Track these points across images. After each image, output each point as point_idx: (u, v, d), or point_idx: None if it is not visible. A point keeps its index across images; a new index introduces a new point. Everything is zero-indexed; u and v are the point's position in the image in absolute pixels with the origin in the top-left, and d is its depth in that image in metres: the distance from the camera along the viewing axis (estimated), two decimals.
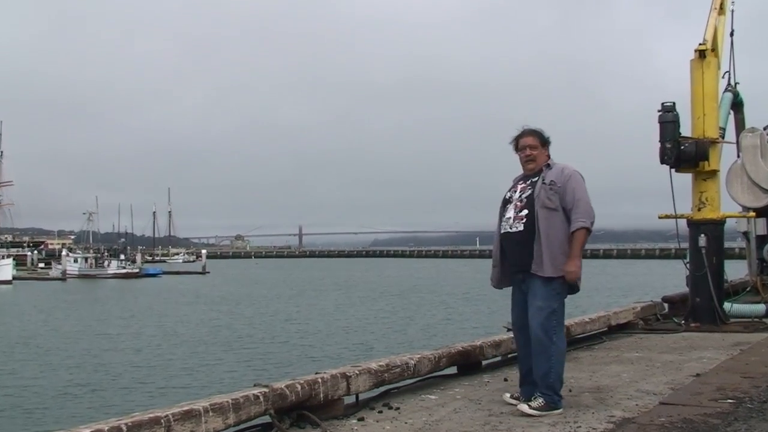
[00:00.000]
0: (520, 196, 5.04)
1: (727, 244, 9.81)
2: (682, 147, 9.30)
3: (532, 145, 5.07)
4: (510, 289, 5.23)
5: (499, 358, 6.75)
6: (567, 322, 6.39)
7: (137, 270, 76.23)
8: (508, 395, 5.10)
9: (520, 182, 5.13)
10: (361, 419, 4.60)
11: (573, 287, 4.92)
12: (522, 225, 4.95)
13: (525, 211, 4.95)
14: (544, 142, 5.12)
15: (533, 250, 4.86)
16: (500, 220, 5.12)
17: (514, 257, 5.03)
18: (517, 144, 5.16)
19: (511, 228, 5.02)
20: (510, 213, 5.06)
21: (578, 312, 11.66)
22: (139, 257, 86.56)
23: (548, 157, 5.11)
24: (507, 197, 5.14)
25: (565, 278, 4.80)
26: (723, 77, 10.19)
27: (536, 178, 5.00)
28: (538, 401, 4.70)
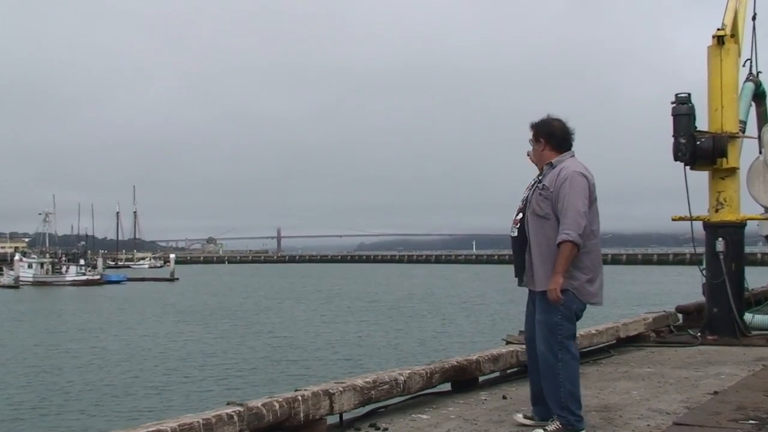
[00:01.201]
0: (523, 196, 5.05)
1: (747, 249, 9.87)
2: (698, 142, 9.33)
3: (529, 140, 5.06)
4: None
5: (497, 374, 6.75)
6: None
7: (98, 277, 75.85)
8: (520, 415, 5.07)
9: (532, 180, 5.11)
10: None
11: (578, 299, 4.87)
12: (516, 230, 4.99)
13: (520, 215, 4.97)
14: (539, 136, 5.00)
15: (526, 261, 4.89)
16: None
17: (515, 263, 5.05)
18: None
19: (511, 231, 5.04)
20: (513, 215, 5.08)
21: (584, 323, 11.72)
22: (100, 262, 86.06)
23: (554, 152, 5.00)
24: (523, 196, 5.14)
25: (570, 291, 4.77)
26: (744, 65, 10.23)
27: (538, 178, 5.00)
28: (555, 424, 4.69)
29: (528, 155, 5.09)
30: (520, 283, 5.07)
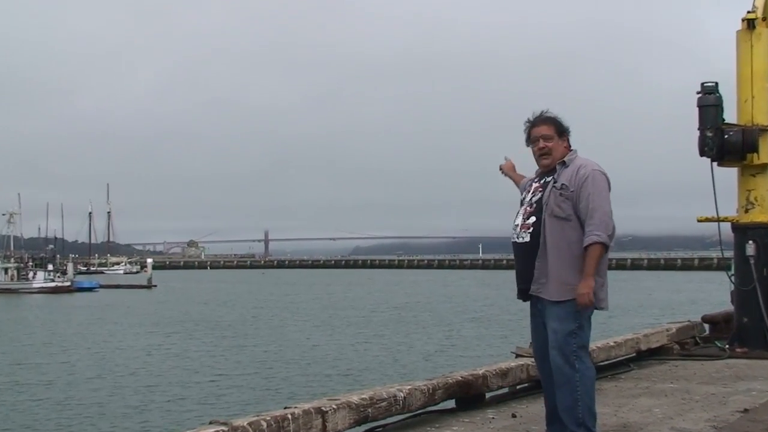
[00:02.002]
0: (530, 199, 5.05)
1: None
2: (726, 136, 9.33)
3: (546, 136, 5.05)
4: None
5: (506, 390, 6.75)
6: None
7: (69, 283, 75.80)
8: None
9: (535, 180, 5.13)
10: None
11: (596, 306, 4.91)
12: (528, 235, 4.97)
13: (533, 219, 4.97)
14: (562, 131, 5.08)
15: (537, 268, 4.89)
16: (512, 227, 5.14)
17: (522, 272, 5.04)
18: (530, 134, 5.16)
19: (518, 237, 5.03)
20: (519, 219, 5.07)
21: (601, 334, 11.71)
22: (71, 267, 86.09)
23: (568, 149, 5.08)
24: (522, 198, 5.15)
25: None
26: None
27: (550, 179, 5.00)
28: None
29: (542, 149, 5.07)
30: (524, 296, 5.08)
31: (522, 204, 5.13)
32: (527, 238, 4.96)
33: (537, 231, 4.91)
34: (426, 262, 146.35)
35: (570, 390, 4.74)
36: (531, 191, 5.09)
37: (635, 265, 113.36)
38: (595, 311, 4.95)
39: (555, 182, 4.93)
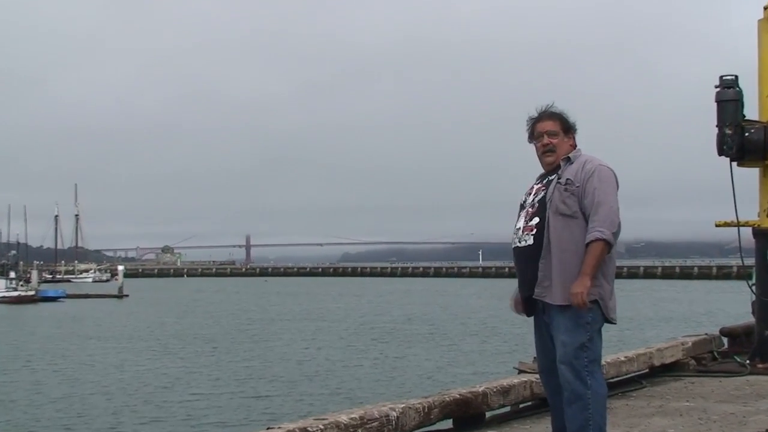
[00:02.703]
0: (533, 200, 5.07)
1: None
2: (747, 134, 9.35)
3: (551, 132, 5.09)
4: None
5: (508, 409, 6.76)
6: None
7: (33, 293, 75.51)
8: None
9: (538, 182, 5.15)
10: None
11: (604, 315, 4.91)
12: (532, 237, 4.99)
13: (536, 219, 4.99)
14: (568, 128, 5.12)
15: (540, 269, 4.89)
16: (513, 231, 5.15)
17: (525, 279, 5.05)
18: (533, 131, 5.18)
19: (519, 241, 5.05)
20: (520, 222, 5.09)
21: (612, 348, 11.73)
22: (35, 275, 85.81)
23: (573, 148, 5.11)
24: (522, 201, 5.17)
25: (597, 303, 4.80)
26: None
27: (553, 177, 5.03)
28: None
29: (546, 146, 5.09)
30: (528, 308, 5.07)
31: (523, 207, 5.14)
32: (530, 241, 4.97)
33: (541, 232, 4.93)
34: (421, 269, 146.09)
35: (581, 408, 4.75)
36: (533, 193, 5.12)
37: (648, 274, 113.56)
38: (605, 324, 4.96)
39: (559, 178, 4.96)
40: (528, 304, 5.10)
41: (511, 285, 5.39)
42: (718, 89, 9.41)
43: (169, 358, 31.43)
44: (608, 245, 4.78)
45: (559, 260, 4.83)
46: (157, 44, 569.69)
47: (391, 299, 71.83)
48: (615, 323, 4.99)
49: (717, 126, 9.39)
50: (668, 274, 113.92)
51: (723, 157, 9.41)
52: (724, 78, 9.43)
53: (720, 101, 9.38)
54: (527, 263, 4.99)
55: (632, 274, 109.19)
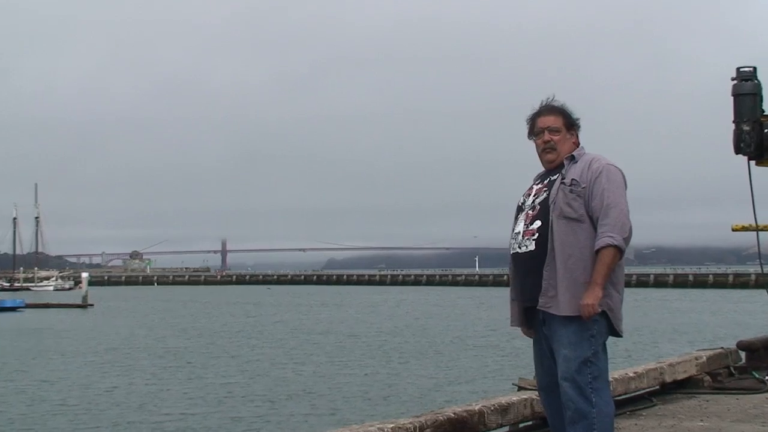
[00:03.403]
0: (533, 201, 5.06)
1: None
2: (766, 130, 9.39)
3: (552, 128, 5.09)
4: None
5: (506, 429, 6.76)
6: None
7: None
8: None
9: (538, 182, 5.14)
10: None
11: (613, 328, 4.91)
12: (533, 242, 4.98)
13: (538, 223, 4.99)
14: (571, 124, 5.12)
15: (545, 278, 4.88)
16: (510, 236, 5.13)
17: (525, 287, 5.04)
18: (533, 126, 5.17)
19: (519, 247, 5.04)
20: (520, 226, 5.07)
21: (619, 363, 11.75)
22: None
23: (576, 145, 5.11)
24: (520, 203, 5.15)
25: (604, 314, 4.80)
26: None
27: (556, 176, 5.01)
28: None
29: (546, 142, 5.08)
30: (527, 320, 5.07)
31: (522, 210, 5.12)
32: (532, 247, 4.96)
33: (544, 237, 4.92)
34: (413, 277, 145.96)
35: (585, 429, 4.77)
36: (533, 194, 5.11)
37: (659, 282, 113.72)
38: (611, 337, 4.95)
39: (563, 178, 4.95)
40: (525, 316, 5.10)
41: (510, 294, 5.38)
42: (734, 82, 9.43)
43: (139, 375, 31.33)
44: (620, 252, 4.79)
45: (565, 268, 4.82)
46: (127, 31, 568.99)
47: (381, 310, 71.84)
48: (622, 336, 4.98)
49: (733, 122, 9.40)
50: (681, 282, 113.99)
51: (740, 155, 9.42)
52: (741, 70, 9.44)
53: (737, 95, 9.39)
54: (528, 271, 4.98)
55: (642, 282, 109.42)
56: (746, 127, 9.34)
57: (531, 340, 5.19)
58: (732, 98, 9.49)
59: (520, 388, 7.28)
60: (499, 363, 31.76)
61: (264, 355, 37.20)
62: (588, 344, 4.80)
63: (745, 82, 9.42)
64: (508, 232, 5.18)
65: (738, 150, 9.47)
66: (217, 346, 41.26)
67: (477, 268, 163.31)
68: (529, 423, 6.89)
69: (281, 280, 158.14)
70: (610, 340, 5.00)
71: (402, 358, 35.08)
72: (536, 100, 5.25)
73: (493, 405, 6.56)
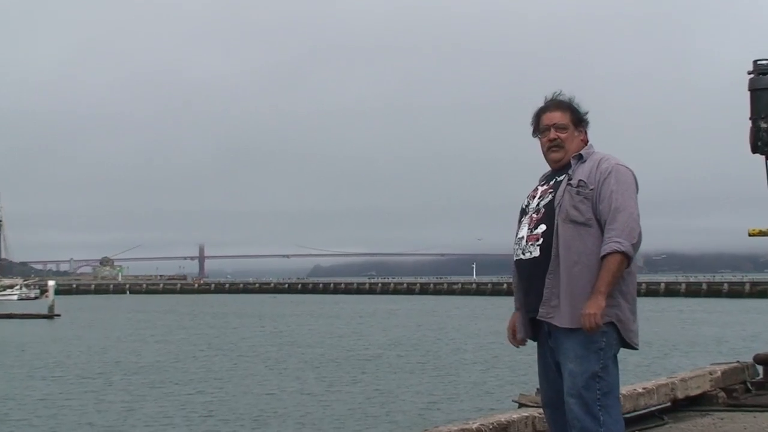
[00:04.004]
0: (537, 204, 5.05)
1: None
2: None
3: (559, 125, 5.08)
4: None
5: None
6: None
7: None
8: None
9: (543, 183, 5.13)
10: None
11: (624, 340, 4.90)
12: (537, 248, 4.99)
13: (542, 227, 4.99)
14: (579, 120, 5.11)
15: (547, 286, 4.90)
16: (514, 241, 5.12)
17: (529, 296, 5.03)
18: (538, 123, 5.16)
19: (523, 253, 5.04)
20: (523, 230, 5.07)
21: (628, 378, 11.77)
22: None
23: (584, 143, 5.10)
24: (524, 206, 5.15)
25: (613, 326, 4.80)
26: None
27: (563, 177, 5.02)
28: None
29: (552, 140, 5.08)
30: (531, 331, 5.07)
31: (525, 213, 5.12)
32: (536, 253, 4.96)
33: (549, 242, 4.92)
34: (406, 286, 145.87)
35: None
36: (538, 195, 5.10)
37: (670, 291, 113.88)
38: (623, 349, 4.94)
39: (570, 179, 4.95)
40: (531, 327, 5.09)
41: (510, 304, 5.39)
42: (751, 76, 9.44)
43: (110, 392, 31.25)
44: (627, 258, 4.76)
45: (569, 275, 4.82)
46: (97, 19, 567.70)
47: (372, 321, 71.77)
48: (637, 348, 4.98)
49: (750, 119, 9.43)
50: (694, 291, 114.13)
51: (757, 154, 9.44)
52: (758, 63, 9.45)
53: (754, 90, 9.40)
54: (533, 278, 4.98)
55: (652, 291, 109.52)
56: (764, 125, 9.35)
57: (534, 354, 5.18)
58: (749, 93, 9.51)
59: (521, 405, 7.29)
60: (499, 378, 31.77)
61: (247, 371, 37.13)
62: (596, 357, 4.79)
63: (763, 76, 9.44)
64: (509, 237, 5.18)
65: (755, 149, 9.49)
66: (196, 361, 41.17)
67: (474, 276, 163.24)
68: None
69: (263, 289, 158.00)
70: (622, 353, 5.00)
71: (395, 373, 35.06)
72: (542, 93, 5.23)
73: (492, 423, 6.57)
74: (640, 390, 8.29)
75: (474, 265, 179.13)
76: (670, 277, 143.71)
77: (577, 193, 4.87)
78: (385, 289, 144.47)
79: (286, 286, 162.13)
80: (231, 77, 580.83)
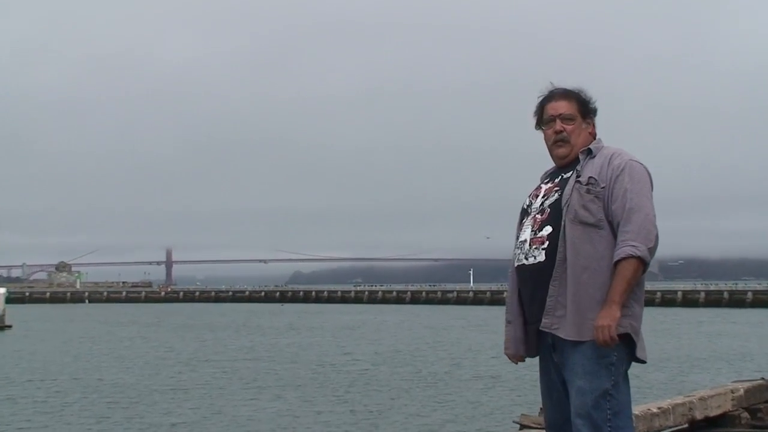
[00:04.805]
0: (542, 204, 5.06)
1: None
2: None
3: (565, 116, 5.09)
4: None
5: None
6: None
7: None
8: None
9: (547, 181, 5.13)
10: None
11: (632, 352, 4.92)
12: (543, 252, 5.00)
13: (548, 229, 5.00)
14: (587, 111, 5.12)
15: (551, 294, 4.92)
16: (514, 245, 5.12)
17: (532, 306, 5.03)
18: (542, 114, 5.16)
19: (526, 258, 5.06)
20: (526, 233, 5.07)
21: (640, 397, 11.84)
22: None
23: (593, 137, 5.10)
24: (525, 206, 5.15)
25: (627, 338, 4.81)
26: None
27: (569, 174, 5.03)
28: None
29: (558, 133, 5.08)
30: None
31: (528, 213, 5.13)
32: (541, 257, 4.98)
33: (555, 245, 4.92)
34: (395, 294, 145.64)
35: None
36: (542, 194, 5.14)
37: (688, 300, 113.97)
38: (633, 363, 4.97)
39: (578, 176, 4.97)
40: (534, 340, 5.10)
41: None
42: None
43: (68, 412, 31.22)
44: (643, 264, 4.77)
45: (576, 282, 4.82)
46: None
47: (359, 334, 71.76)
48: (646, 362, 4.99)
49: None
50: (714, 300, 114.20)
51: None
52: None
53: None
54: (537, 286, 4.98)
55: (668, 300, 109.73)
56: None
57: (537, 371, 5.19)
58: None
59: (523, 427, 7.33)
60: (499, 397, 31.81)
61: (220, 390, 37.11)
62: (607, 373, 4.79)
63: None
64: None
65: None
66: (163, 378, 41.11)
67: (471, 284, 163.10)
68: None
69: (237, 298, 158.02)
70: (634, 368, 5.02)
71: (387, 392, 35.09)
72: (551, 79, 5.22)
73: None
74: (655, 410, 8.32)
75: (471, 271, 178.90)
76: (687, 285, 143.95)
77: (587, 191, 4.88)
78: (373, 298, 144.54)
79: (263, 294, 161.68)
80: (207, 60, 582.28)
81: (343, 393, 35.09)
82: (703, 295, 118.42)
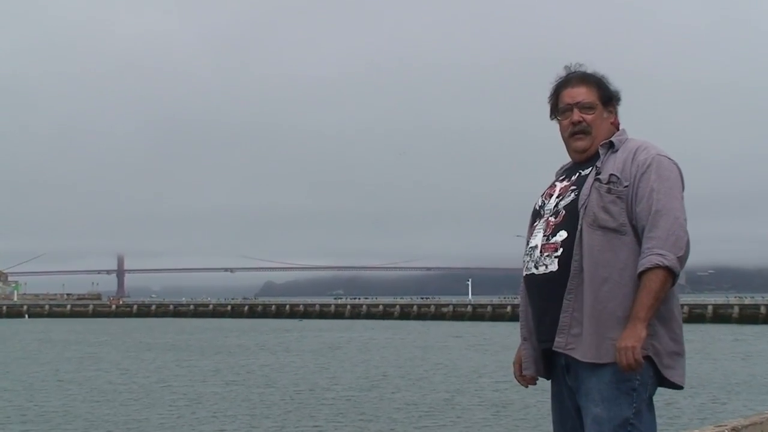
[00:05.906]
0: (556, 205, 5.08)
1: None
2: None
3: (583, 103, 5.07)
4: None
5: None
6: None
7: None
8: None
9: (563, 178, 5.13)
10: None
11: (658, 376, 4.92)
12: (556, 261, 4.97)
13: (562, 234, 4.97)
14: (608, 98, 5.13)
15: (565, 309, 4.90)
16: (524, 251, 5.10)
17: (542, 322, 5.03)
18: (557, 101, 5.15)
19: (536, 266, 5.05)
20: (537, 238, 5.09)
21: (666, 427, 11.92)
22: None
23: (616, 128, 5.09)
24: (537, 207, 5.14)
25: (650, 360, 4.81)
26: None
27: (588, 170, 5.05)
28: None
29: (576, 123, 5.07)
30: (544, 367, 5.09)
31: (540, 216, 5.12)
32: (554, 266, 4.96)
33: (571, 252, 4.89)
34: (381, 308, 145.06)
35: None
36: (556, 194, 5.12)
37: (720, 316, 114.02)
38: (660, 388, 4.97)
39: (598, 173, 4.94)
40: (545, 361, 5.10)
41: (514, 331, 5.38)
42: None
43: None
44: (672, 275, 4.70)
45: (596, 295, 4.79)
46: None
47: (342, 355, 71.75)
48: (682, 387, 4.96)
49: None
50: (749, 316, 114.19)
51: None
52: None
53: None
54: (548, 299, 4.96)
55: (696, 316, 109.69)
56: None
57: (544, 395, 5.19)
58: None
59: None
60: (508, 426, 31.89)
61: (182, 419, 37.12)
62: (628, 400, 4.77)
63: None
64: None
65: None
66: (115, 406, 41.09)
67: (470, 296, 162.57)
68: None
69: (200, 312, 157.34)
70: (661, 393, 5.02)
71: (377, 423, 35.14)
72: (556, 66, 5.21)
73: None
74: None
75: (470, 282, 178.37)
76: (719, 298, 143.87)
77: (608, 191, 4.84)
78: (356, 313, 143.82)
79: (229, 308, 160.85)
80: (169, 42, 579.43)
81: (330, 422, 35.15)
82: (736, 309, 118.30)
